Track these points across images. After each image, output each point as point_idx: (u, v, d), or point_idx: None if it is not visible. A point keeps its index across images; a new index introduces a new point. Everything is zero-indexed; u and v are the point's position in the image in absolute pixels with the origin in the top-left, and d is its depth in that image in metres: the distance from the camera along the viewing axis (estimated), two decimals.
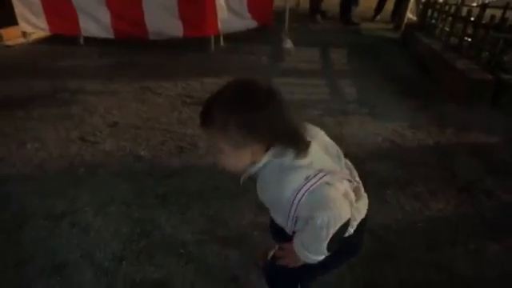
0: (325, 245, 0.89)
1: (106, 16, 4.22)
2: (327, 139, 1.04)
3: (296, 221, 0.95)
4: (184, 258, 1.51)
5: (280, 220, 1.02)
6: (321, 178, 0.88)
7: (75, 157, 2.21)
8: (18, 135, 2.42)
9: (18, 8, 4.20)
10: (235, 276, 1.43)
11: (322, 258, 0.94)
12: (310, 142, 0.93)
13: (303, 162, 0.90)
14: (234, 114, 0.86)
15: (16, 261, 1.48)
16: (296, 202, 0.89)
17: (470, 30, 3.60)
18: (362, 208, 1.01)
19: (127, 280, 1.41)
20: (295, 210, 0.91)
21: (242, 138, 0.87)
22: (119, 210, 1.77)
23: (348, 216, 0.88)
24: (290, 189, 0.88)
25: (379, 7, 6.54)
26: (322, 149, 0.97)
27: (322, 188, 0.87)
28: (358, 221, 0.99)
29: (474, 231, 1.70)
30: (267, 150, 0.91)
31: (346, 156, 1.04)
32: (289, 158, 0.90)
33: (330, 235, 0.87)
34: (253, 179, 0.99)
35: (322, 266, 0.98)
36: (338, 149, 1.03)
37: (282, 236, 1.06)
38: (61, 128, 2.53)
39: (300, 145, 0.90)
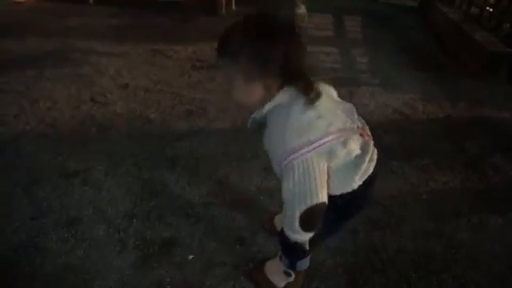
0: (296, 224, 0.90)
1: None
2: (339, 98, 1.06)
3: None
4: (192, 218, 1.56)
5: (276, 170, 1.02)
6: (315, 148, 0.87)
7: (86, 117, 2.24)
8: (30, 94, 2.45)
9: None
10: (241, 237, 1.48)
11: (306, 237, 0.95)
12: (321, 93, 0.92)
13: (312, 114, 0.89)
14: (250, 43, 0.86)
15: (32, 214, 1.55)
16: (283, 165, 0.90)
17: (492, 0, 3.46)
18: (370, 166, 0.99)
19: (138, 237, 1.47)
20: (281, 170, 0.93)
21: (254, 70, 0.87)
22: (129, 171, 1.82)
23: (319, 201, 0.87)
24: (288, 145, 0.88)
25: None
26: (333, 104, 0.97)
27: (304, 164, 0.87)
28: (365, 178, 0.97)
29: (478, 204, 1.71)
30: (280, 89, 0.90)
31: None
32: (299, 105, 0.88)
33: (297, 214, 0.88)
34: (261, 124, 0.99)
35: (329, 224, 1.00)
36: (352, 105, 1.04)
37: None
38: (72, 88, 2.55)
39: (311, 91, 0.89)
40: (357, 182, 0.96)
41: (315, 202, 0.87)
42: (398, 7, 5.10)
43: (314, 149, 0.87)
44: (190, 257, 1.40)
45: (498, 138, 2.22)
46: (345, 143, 0.92)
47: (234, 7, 4.49)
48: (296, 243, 1.07)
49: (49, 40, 3.31)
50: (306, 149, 0.86)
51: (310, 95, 0.89)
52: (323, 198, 0.89)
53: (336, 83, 1.05)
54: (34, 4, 4.35)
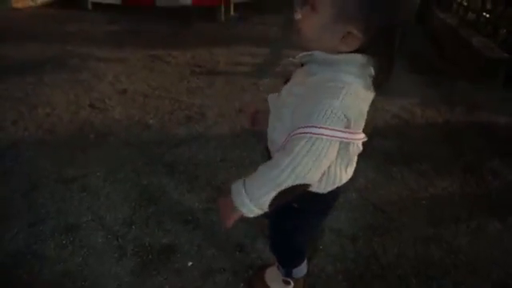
0: (271, 195, 0.76)
1: None
2: None
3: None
4: (191, 225, 1.56)
5: (272, 133, 0.90)
6: (344, 138, 0.75)
7: (85, 123, 2.24)
8: (29, 100, 2.45)
9: None
10: (241, 243, 1.48)
11: (256, 210, 0.80)
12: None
13: (366, 101, 0.78)
14: None
15: (30, 221, 1.54)
16: (296, 131, 0.75)
17: (488, 5, 3.48)
18: (350, 175, 0.94)
19: (137, 243, 1.46)
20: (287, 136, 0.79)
21: (352, 10, 0.70)
22: (128, 177, 1.81)
23: (311, 181, 0.77)
24: (319, 117, 0.72)
25: None
26: None
27: (325, 145, 0.74)
28: (340, 185, 0.92)
29: (478, 210, 1.71)
30: (357, 51, 0.75)
31: None
32: (362, 83, 0.76)
33: (285, 185, 0.74)
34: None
35: (300, 228, 0.97)
36: None
37: None
38: (71, 94, 2.55)
39: (386, 76, 0.78)
40: (342, 182, 0.91)
41: (309, 181, 0.76)
42: None
43: (344, 139, 0.75)
44: (189, 263, 1.40)
45: (496, 143, 2.22)
46: (359, 146, 0.86)
47: (232, 13, 4.51)
48: (292, 252, 1.06)
49: (48, 46, 3.31)
50: (339, 134, 0.74)
51: (381, 79, 0.78)
52: (314, 181, 0.79)
53: None
54: (34, 10, 4.36)
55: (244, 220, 1.58)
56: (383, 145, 2.12)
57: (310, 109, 0.74)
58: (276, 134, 0.89)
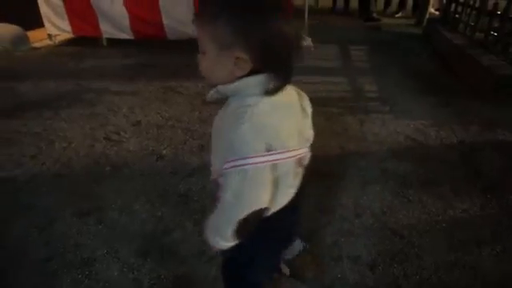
0: (231, 229, 0.83)
1: (124, 18, 4.30)
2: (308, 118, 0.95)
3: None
4: (206, 256, 1.54)
5: (215, 162, 0.93)
6: (272, 161, 0.79)
7: (101, 156, 2.28)
8: (46, 135, 2.52)
9: (44, 10, 4.36)
10: None
11: (226, 244, 0.87)
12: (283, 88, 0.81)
13: (276, 116, 0.80)
14: (230, 6, 0.74)
15: (46, 255, 1.55)
16: (228, 166, 0.79)
17: (496, 24, 3.49)
18: (284, 196, 0.92)
19: (152, 276, 1.45)
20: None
21: (229, 38, 0.75)
22: (143, 208, 1.82)
23: (263, 206, 0.82)
24: (240, 149, 0.77)
25: (402, 2, 6.42)
26: (298, 118, 0.89)
27: (257, 171, 0.78)
28: (277, 208, 0.91)
29: (501, 232, 1.66)
30: (253, 72, 0.78)
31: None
32: (267, 101, 0.79)
33: (235, 222, 0.81)
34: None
35: (251, 257, 0.95)
36: (312, 133, 1.00)
37: None
38: (87, 127, 2.61)
39: (283, 82, 0.80)
40: (283, 203, 0.91)
41: (262, 206, 0.82)
42: (403, 35, 5.18)
43: (269, 162, 0.79)
44: None
45: None
46: (292, 164, 0.88)
47: None
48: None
49: (64, 82, 3.43)
50: (264, 159, 0.77)
51: (273, 85, 0.78)
52: (267, 202, 0.83)
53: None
54: (52, 49, 4.55)
55: None
56: (398, 167, 2.09)
57: (228, 140, 0.78)
58: (216, 160, 0.93)
